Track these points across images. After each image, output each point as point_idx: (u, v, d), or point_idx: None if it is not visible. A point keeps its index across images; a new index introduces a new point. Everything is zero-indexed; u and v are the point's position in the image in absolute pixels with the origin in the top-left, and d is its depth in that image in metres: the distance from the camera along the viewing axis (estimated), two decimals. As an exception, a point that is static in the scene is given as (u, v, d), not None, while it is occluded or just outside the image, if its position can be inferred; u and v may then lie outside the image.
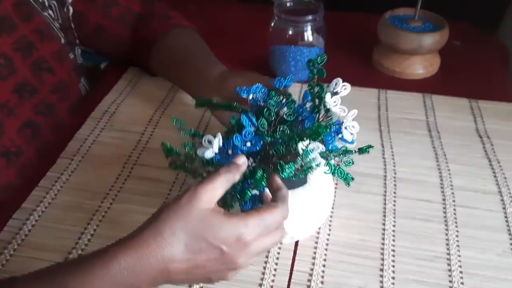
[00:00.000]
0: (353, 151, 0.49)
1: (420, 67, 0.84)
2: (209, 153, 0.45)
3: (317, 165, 0.45)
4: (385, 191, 0.61)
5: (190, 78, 0.67)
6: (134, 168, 0.64)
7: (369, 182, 0.62)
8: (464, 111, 0.76)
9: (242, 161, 0.43)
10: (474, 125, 0.73)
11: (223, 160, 0.45)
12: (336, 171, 0.47)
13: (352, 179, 0.48)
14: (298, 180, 0.48)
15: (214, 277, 0.42)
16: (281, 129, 0.47)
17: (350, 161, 0.49)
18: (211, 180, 0.41)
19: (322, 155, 0.46)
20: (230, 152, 0.45)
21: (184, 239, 0.39)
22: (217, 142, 0.45)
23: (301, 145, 0.45)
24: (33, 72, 0.65)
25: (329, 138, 0.48)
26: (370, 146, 0.49)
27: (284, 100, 0.50)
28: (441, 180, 0.63)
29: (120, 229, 0.55)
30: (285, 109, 0.49)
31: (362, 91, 0.80)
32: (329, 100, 0.48)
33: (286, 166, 0.44)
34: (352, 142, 0.49)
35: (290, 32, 0.78)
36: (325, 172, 0.46)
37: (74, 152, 0.66)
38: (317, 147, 0.45)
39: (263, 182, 0.43)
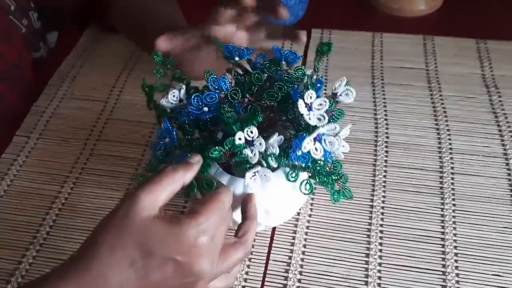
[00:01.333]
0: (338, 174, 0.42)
1: (421, 2, 0.73)
2: (164, 101, 0.42)
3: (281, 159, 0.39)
4: (375, 160, 0.54)
5: (148, 38, 0.58)
6: (96, 145, 0.58)
7: (357, 149, 0.55)
8: (469, 54, 0.66)
9: (196, 160, 0.37)
10: (480, 71, 0.64)
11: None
12: (339, 195, 0.41)
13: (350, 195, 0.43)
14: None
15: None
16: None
17: (344, 177, 0.42)
18: (153, 182, 0.34)
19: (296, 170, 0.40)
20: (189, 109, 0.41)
21: (129, 259, 0.33)
22: (178, 94, 0.42)
23: (301, 104, 0.38)
24: None
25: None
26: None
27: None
28: (439, 143, 0.56)
29: (82, 217, 0.50)
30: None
31: (355, 35, 0.70)
32: (302, 107, 0.38)
33: (213, 149, 0.37)
34: (327, 156, 0.40)
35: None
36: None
37: (31, 128, 0.60)
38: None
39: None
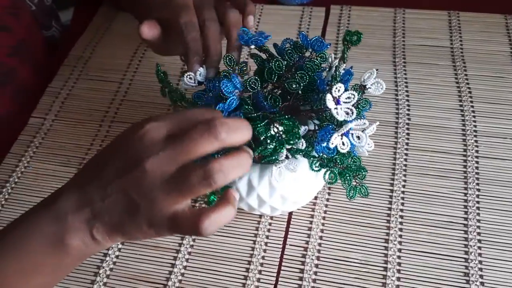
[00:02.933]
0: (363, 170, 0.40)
1: (447, -24, 0.69)
2: (187, 80, 0.41)
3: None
4: (396, 142, 0.53)
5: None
6: (111, 127, 0.57)
7: (378, 132, 0.52)
8: (497, 31, 0.63)
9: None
10: (509, 49, 0.61)
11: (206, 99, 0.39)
12: (355, 192, 0.39)
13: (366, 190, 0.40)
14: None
15: (134, 194, 0.30)
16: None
17: (362, 174, 0.39)
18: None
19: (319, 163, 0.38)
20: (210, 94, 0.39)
21: (92, 161, 0.34)
22: (198, 75, 0.41)
23: (329, 97, 0.36)
24: None
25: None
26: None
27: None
28: (463, 125, 0.53)
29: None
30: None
31: (375, 12, 0.67)
32: (330, 102, 0.36)
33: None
34: (352, 149, 0.39)
35: None
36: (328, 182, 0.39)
37: (47, 109, 0.59)
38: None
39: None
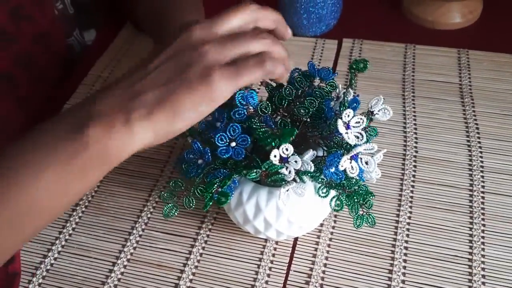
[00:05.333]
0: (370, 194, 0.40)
1: (457, 15, 0.71)
2: None
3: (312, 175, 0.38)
4: (403, 174, 0.53)
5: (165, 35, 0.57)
6: (124, 145, 0.58)
7: (385, 162, 0.54)
8: (506, 70, 0.64)
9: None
10: (517, 88, 0.62)
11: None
12: (362, 221, 0.40)
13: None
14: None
15: (187, 68, 0.33)
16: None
17: (370, 201, 0.40)
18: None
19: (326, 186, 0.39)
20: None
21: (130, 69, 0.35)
22: None
23: (340, 123, 0.38)
24: (11, 19, 0.58)
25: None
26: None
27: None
28: (470, 160, 0.54)
29: (107, 216, 0.51)
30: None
31: (387, 46, 0.69)
32: (341, 127, 0.38)
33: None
34: (360, 175, 0.39)
35: (303, -21, 0.67)
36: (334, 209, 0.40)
37: (63, 125, 0.61)
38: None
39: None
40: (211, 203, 0.37)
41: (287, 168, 0.37)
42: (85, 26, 0.77)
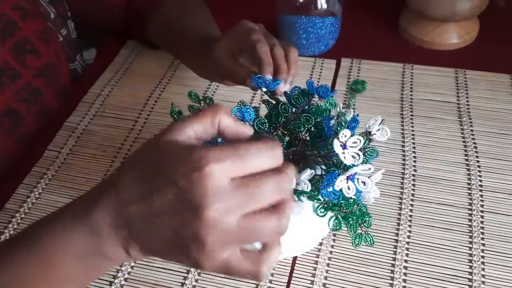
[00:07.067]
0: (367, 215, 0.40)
1: (454, 36, 0.72)
2: None
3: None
4: (402, 193, 0.53)
5: (190, 53, 0.60)
6: (123, 163, 0.58)
7: (384, 181, 0.54)
8: (503, 90, 0.65)
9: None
10: (514, 108, 0.63)
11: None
12: (360, 240, 0.40)
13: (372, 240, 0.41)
14: None
15: (185, 235, 0.28)
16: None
17: (368, 221, 0.40)
18: (197, 116, 0.31)
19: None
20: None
21: (138, 174, 0.30)
22: None
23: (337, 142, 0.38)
24: (14, 54, 0.59)
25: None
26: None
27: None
28: (469, 179, 0.54)
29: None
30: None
31: (385, 66, 0.70)
32: (337, 147, 0.38)
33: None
34: (358, 196, 0.40)
35: None
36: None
37: (62, 143, 0.61)
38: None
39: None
40: None
41: None
42: (85, 46, 0.78)
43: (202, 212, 0.27)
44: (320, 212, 0.39)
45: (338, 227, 0.39)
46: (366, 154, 0.40)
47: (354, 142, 0.38)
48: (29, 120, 0.61)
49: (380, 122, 0.41)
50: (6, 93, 0.58)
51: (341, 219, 0.39)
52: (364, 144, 0.39)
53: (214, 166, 0.28)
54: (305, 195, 0.38)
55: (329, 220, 0.39)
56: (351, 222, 0.39)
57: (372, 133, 0.41)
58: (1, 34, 0.58)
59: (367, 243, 0.40)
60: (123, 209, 0.30)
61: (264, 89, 0.44)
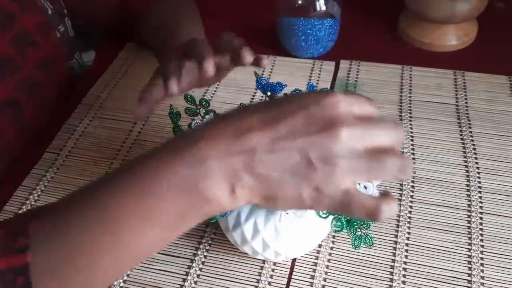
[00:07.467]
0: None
1: (453, 38, 0.73)
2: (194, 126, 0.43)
3: None
4: (401, 195, 0.53)
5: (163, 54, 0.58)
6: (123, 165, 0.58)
7: (383, 183, 0.54)
8: (502, 91, 0.65)
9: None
10: (512, 109, 0.63)
11: None
12: (360, 241, 0.40)
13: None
14: None
15: (314, 156, 0.28)
16: None
17: (368, 223, 0.40)
18: None
19: None
20: None
21: (259, 108, 0.30)
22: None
23: None
24: (15, 46, 0.59)
25: None
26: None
27: None
28: (468, 181, 0.54)
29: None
30: None
31: (383, 68, 0.70)
32: None
33: None
34: None
35: (300, 1, 0.68)
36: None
37: (61, 145, 0.61)
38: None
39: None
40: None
41: None
42: (84, 48, 0.78)
43: (338, 132, 0.28)
44: (323, 214, 0.39)
45: (340, 229, 0.39)
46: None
47: None
48: (29, 111, 0.61)
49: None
50: (7, 83, 0.58)
51: (344, 221, 0.39)
52: None
53: (343, 96, 0.29)
54: None
55: (332, 221, 0.39)
56: (355, 225, 0.39)
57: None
58: (1, 25, 0.58)
59: (366, 244, 0.40)
60: (237, 136, 0.28)
61: (269, 93, 0.44)
